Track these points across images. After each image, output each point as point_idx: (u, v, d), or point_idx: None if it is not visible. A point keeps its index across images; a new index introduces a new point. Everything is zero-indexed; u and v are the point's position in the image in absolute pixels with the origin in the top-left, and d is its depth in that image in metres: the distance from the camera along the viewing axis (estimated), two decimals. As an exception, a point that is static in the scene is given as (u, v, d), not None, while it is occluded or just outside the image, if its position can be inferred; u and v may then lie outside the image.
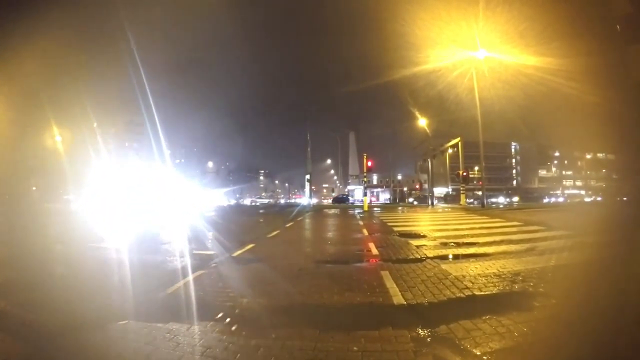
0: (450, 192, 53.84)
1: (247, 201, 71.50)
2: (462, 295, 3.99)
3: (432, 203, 34.13)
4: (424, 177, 49.55)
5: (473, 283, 4.42)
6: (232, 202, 64.03)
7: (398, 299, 3.87)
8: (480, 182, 28.88)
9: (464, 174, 26.81)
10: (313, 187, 43.84)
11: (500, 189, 57.84)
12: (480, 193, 28.33)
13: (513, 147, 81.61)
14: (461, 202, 29.54)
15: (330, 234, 11.19)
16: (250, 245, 7.79)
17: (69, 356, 2.76)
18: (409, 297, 3.92)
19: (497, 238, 8.12)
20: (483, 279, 4.62)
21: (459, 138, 28.61)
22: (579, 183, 73.59)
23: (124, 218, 16.62)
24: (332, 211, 25.93)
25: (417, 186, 57.40)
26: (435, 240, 8.19)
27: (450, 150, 32.19)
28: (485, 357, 2.54)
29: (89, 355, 2.79)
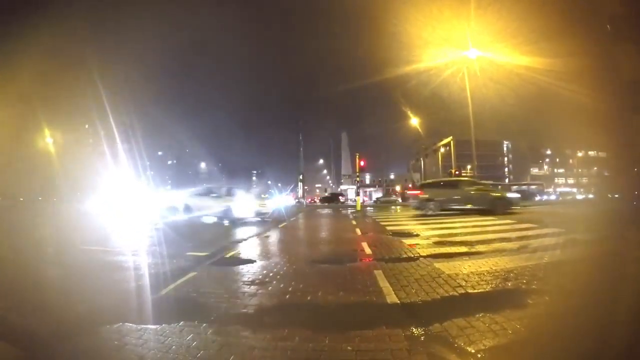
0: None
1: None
2: (455, 293, 4.00)
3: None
4: (417, 176, 49.65)
5: (466, 281, 4.43)
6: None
7: (391, 298, 3.87)
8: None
9: (457, 172, 26.86)
10: (306, 187, 43.83)
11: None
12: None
13: (505, 145, 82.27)
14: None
15: (323, 234, 11.20)
16: (243, 246, 7.79)
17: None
18: (403, 296, 3.93)
19: (490, 236, 8.15)
20: (476, 277, 4.63)
21: (451, 137, 28.67)
22: (571, 181, 74.34)
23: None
24: (326, 211, 25.95)
25: (410, 185, 57.61)
26: (428, 239, 8.21)
27: (442, 149, 32.29)
28: (479, 355, 2.54)
29: (81, 359, 2.76)
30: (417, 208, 16.97)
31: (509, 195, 17.44)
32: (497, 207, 15.33)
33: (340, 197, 55.00)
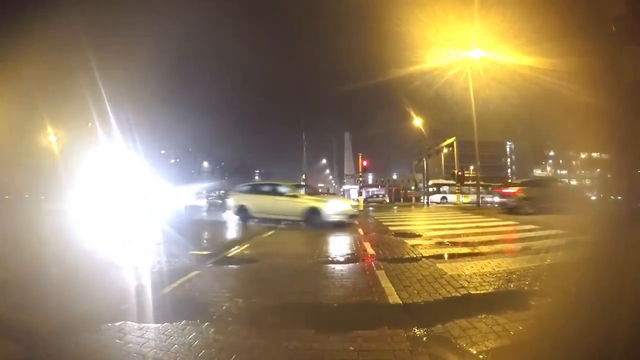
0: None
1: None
2: (457, 294, 4.00)
3: (428, 202, 34.21)
4: (419, 176, 49.58)
5: (468, 282, 4.42)
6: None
7: (394, 298, 3.87)
8: (477, 181, 28.95)
9: (459, 173, 26.80)
10: (308, 187, 43.88)
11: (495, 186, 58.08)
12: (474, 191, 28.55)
13: (508, 146, 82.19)
14: (456, 202, 29.62)
15: (325, 233, 11.17)
16: (246, 245, 7.79)
17: (64, 358, 2.74)
18: (405, 296, 3.92)
19: (493, 237, 8.14)
20: (478, 278, 4.63)
21: (454, 137, 28.60)
22: (573, 182, 74.05)
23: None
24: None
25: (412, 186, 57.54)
26: (430, 239, 8.19)
27: (445, 150, 32.25)
28: (481, 356, 2.54)
29: (84, 357, 2.77)
30: (514, 207, 16.29)
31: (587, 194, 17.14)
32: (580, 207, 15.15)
33: None
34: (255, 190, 14.28)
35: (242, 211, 13.62)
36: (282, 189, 13.33)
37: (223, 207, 23.91)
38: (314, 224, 11.62)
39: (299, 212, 12.15)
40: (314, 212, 11.91)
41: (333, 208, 12.09)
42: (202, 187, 35.82)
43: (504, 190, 18.47)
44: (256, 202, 13.41)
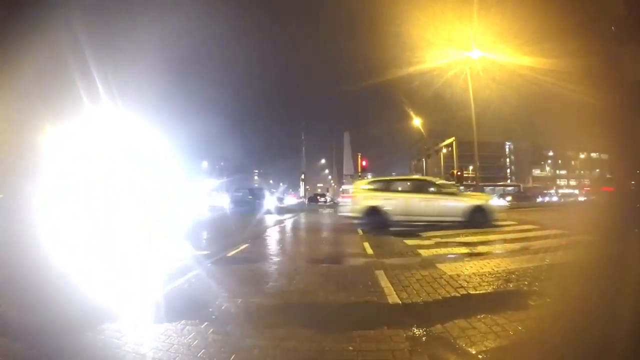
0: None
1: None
2: (457, 294, 3.99)
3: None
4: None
5: (468, 282, 4.42)
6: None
7: (393, 298, 3.87)
8: (476, 182, 28.93)
9: (458, 173, 26.77)
10: (307, 187, 43.89)
11: (494, 186, 58.14)
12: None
13: (507, 146, 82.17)
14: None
15: (324, 234, 11.18)
16: (245, 245, 7.79)
17: (64, 358, 2.73)
18: (404, 296, 3.92)
19: (491, 237, 8.14)
20: (478, 278, 4.62)
21: (453, 137, 28.55)
22: (572, 182, 74.15)
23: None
24: (327, 211, 25.97)
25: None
26: (429, 239, 8.19)
27: (444, 150, 32.19)
28: (480, 356, 2.54)
29: (83, 357, 2.76)
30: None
31: None
32: None
33: (319, 198, 54.32)
34: (390, 187, 11.65)
35: (374, 214, 10.86)
36: (433, 186, 11.55)
37: (253, 208, 23.52)
38: (479, 224, 10.16)
39: (461, 212, 10.52)
40: (478, 211, 10.50)
41: (496, 205, 11.19)
42: (217, 185, 35.73)
43: (603, 188, 18.91)
44: (397, 202, 10.93)
